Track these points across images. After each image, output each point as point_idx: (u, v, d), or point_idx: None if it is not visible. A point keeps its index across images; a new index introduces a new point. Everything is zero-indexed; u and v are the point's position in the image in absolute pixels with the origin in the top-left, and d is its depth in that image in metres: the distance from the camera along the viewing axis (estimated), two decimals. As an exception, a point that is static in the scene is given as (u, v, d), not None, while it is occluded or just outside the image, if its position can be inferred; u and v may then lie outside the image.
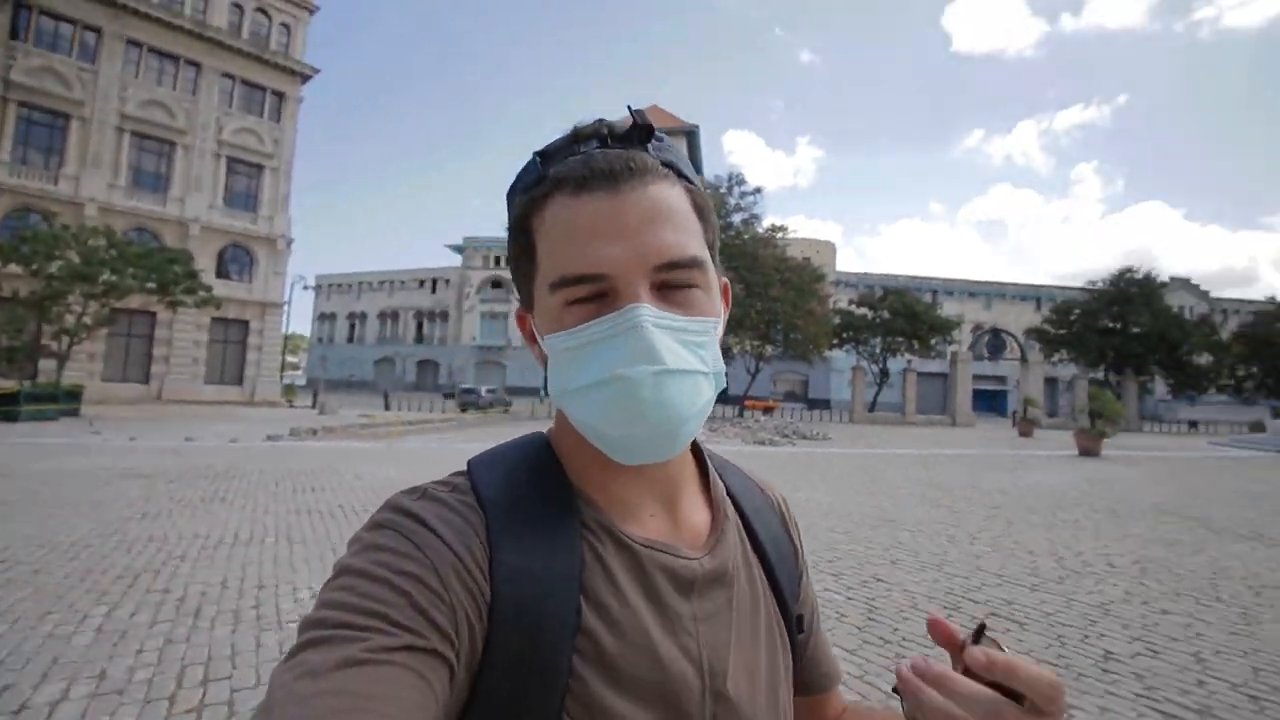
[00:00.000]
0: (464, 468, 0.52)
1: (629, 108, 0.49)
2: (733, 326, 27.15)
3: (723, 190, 30.29)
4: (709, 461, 0.59)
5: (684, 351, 0.45)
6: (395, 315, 59.21)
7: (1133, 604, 4.06)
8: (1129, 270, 35.81)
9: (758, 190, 30.41)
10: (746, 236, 29.03)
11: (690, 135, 57.76)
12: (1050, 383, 41.83)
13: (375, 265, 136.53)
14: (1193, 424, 34.54)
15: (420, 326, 58.26)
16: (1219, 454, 16.81)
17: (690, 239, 0.47)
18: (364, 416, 20.04)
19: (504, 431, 18.57)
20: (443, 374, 53.63)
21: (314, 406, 24.84)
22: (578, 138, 0.48)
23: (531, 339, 0.52)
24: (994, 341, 43.54)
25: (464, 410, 28.07)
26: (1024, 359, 32.24)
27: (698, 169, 56.33)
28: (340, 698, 0.33)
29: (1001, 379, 47.38)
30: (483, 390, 32.45)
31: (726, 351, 29.96)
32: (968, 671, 0.37)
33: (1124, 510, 7.59)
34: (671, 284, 0.46)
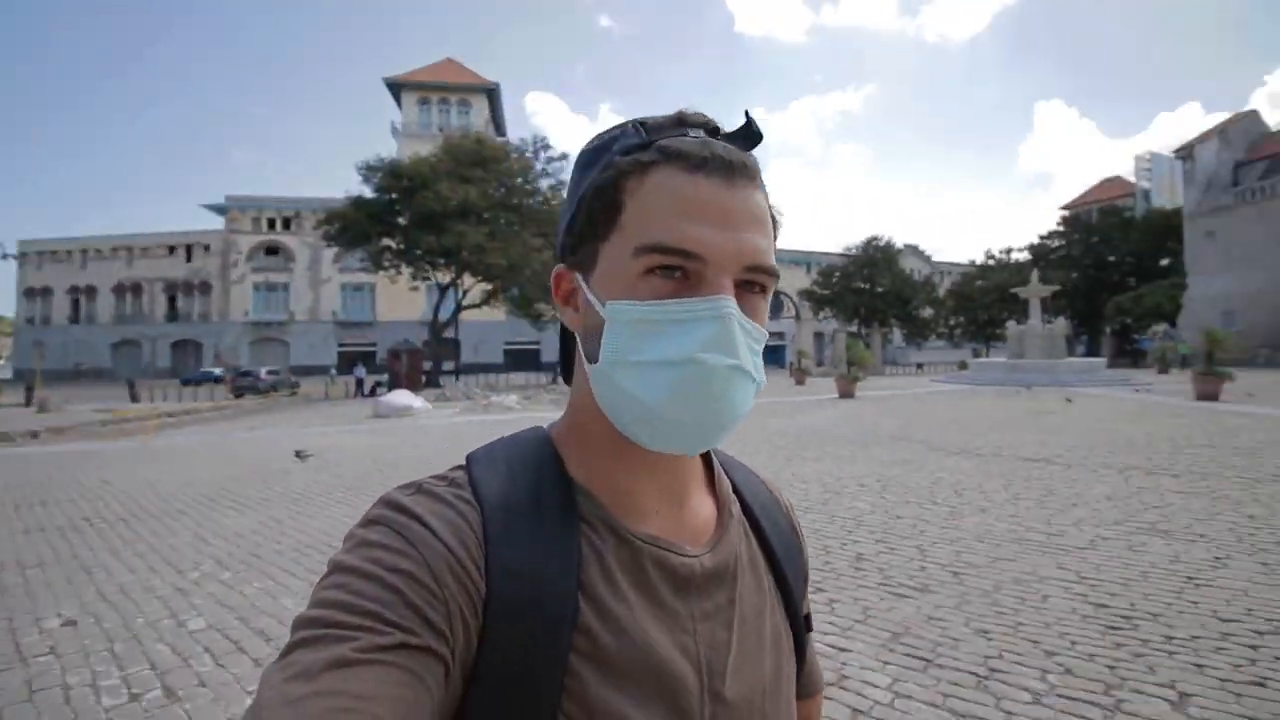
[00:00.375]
0: (463, 462, 0.51)
1: (746, 113, 0.50)
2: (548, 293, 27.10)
3: (529, 154, 29.68)
4: (715, 458, 0.59)
5: (752, 356, 0.46)
6: (138, 288, 49.29)
7: (877, 514, 5.03)
8: (874, 239, 42.30)
9: (564, 156, 30.32)
10: (554, 203, 28.92)
11: (490, 93, 54.94)
12: (818, 337, 48.16)
13: (104, 228, 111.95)
14: (920, 366, 42.51)
15: (173, 301, 49.31)
16: (936, 389, 20.89)
17: (772, 249, 0.48)
18: (104, 412, 16.70)
19: (294, 416, 16.71)
20: (207, 356, 46.21)
21: (29, 404, 20.09)
22: (684, 121, 0.48)
23: (566, 300, 0.51)
24: (774, 302, 48.81)
25: (239, 396, 24.71)
26: (798, 317, 36.86)
27: (500, 130, 54.07)
28: (332, 698, 0.33)
29: (780, 335, 53.61)
30: (262, 371, 28.77)
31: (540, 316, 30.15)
32: None
33: (871, 440, 9.19)
34: (751, 285, 0.46)
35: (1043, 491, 5.66)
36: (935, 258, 66.24)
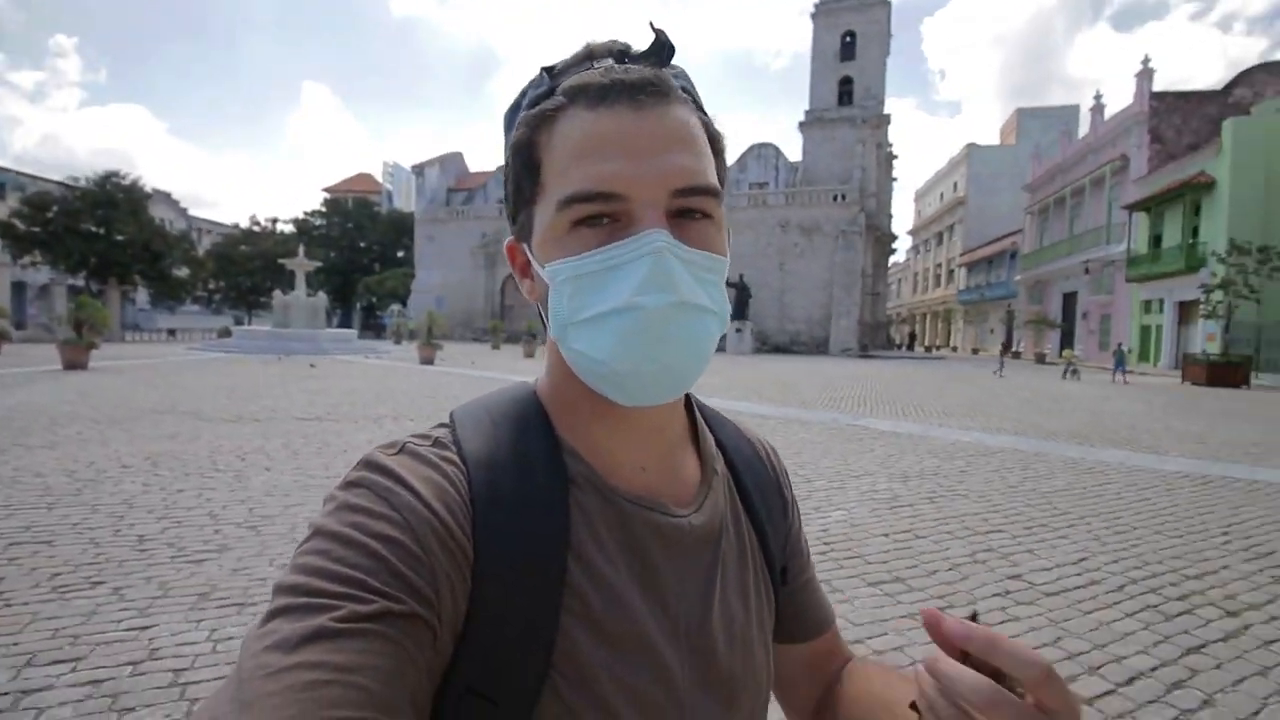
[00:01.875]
0: (447, 420, 0.49)
1: (651, 24, 0.46)
2: None
3: None
4: (698, 414, 0.57)
5: (698, 287, 0.43)
6: None
7: (153, 493, 4.58)
8: (115, 174, 34.46)
9: None
10: None
11: None
12: (19, 288, 35.63)
13: None
14: (172, 332, 37.61)
15: None
16: (197, 357, 19.24)
17: (708, 167, 0.45)
18: None
19: None
20: None
21: None
22: (591, 55, 0.45)
23: (523, 273, 0.49)
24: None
25: None
26: (-19, 257, 26.14)
27: None
28: (313, 670, 0.32)
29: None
30: None
31: None
32: (965, 659, 0.35)
33: (125, 416, 7.90)
34: (688, 210, 0.44)
35: (319, 445, 6.42)
36: (193, 211, 59.46)
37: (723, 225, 0.47)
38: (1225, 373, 17.98)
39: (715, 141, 0.47)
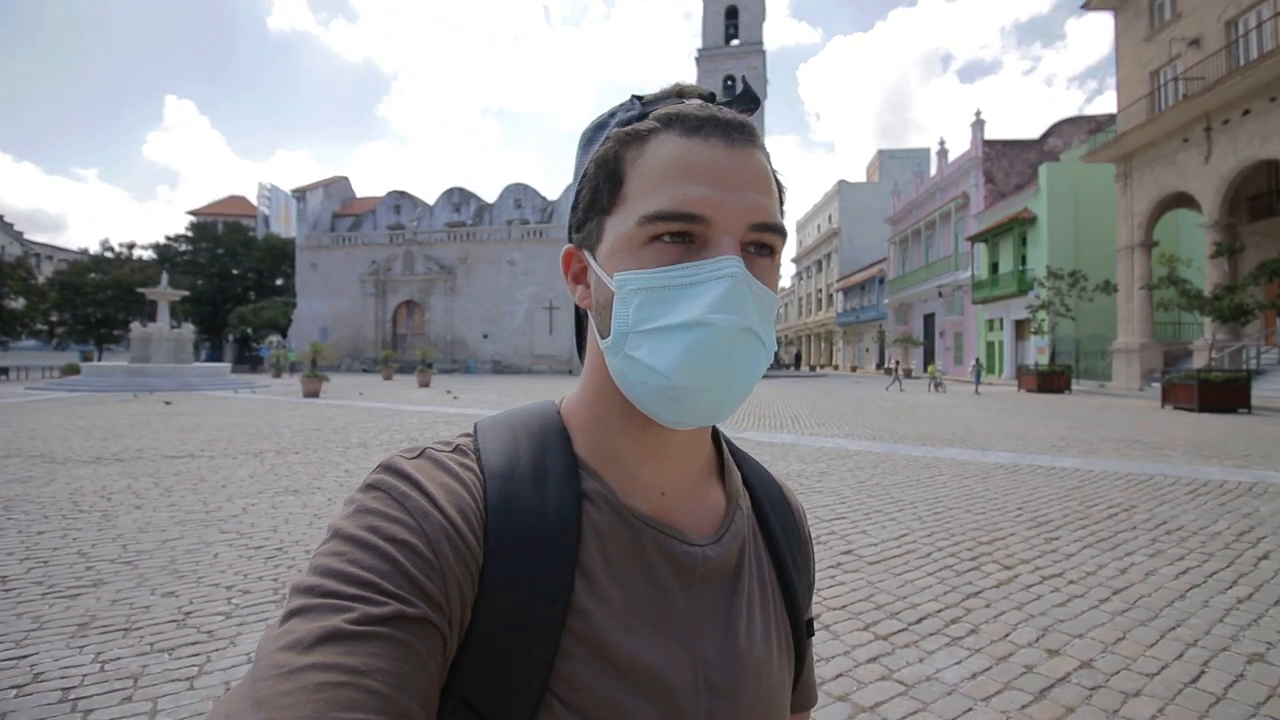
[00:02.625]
0: (470, 430, 0.51)
1: (743, 79, 0.57)
2: None
3: None
4: (725, 448, 0.57)
5: (761, 317, 0.44)
6: None
7: (8, 535, 4.32)
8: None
9: None
10: None
11: None
12: None
13: None
14: (4, 370, 33.05)
15: None
16: (39, 397, 17.23)
17: (778, 209, 0.47)
18: None
19: None
20: None
21: None
22: (683, 93, 0.48)
23: (577, 279, 0.50)
24: None
25: None
26: None
27: None
28: (325, 671, 0.33)
29: None
30: None
31: None
32: None
33: (-41, 462, 7.15)
34: (760, 244, 0.45)
35: (195, 480, 6.18)
36: (31, 236, 52.89)
37: (779, 267, 0.48)
38: (1050, 381, 20.80)
39: (780, 191, 0.49)
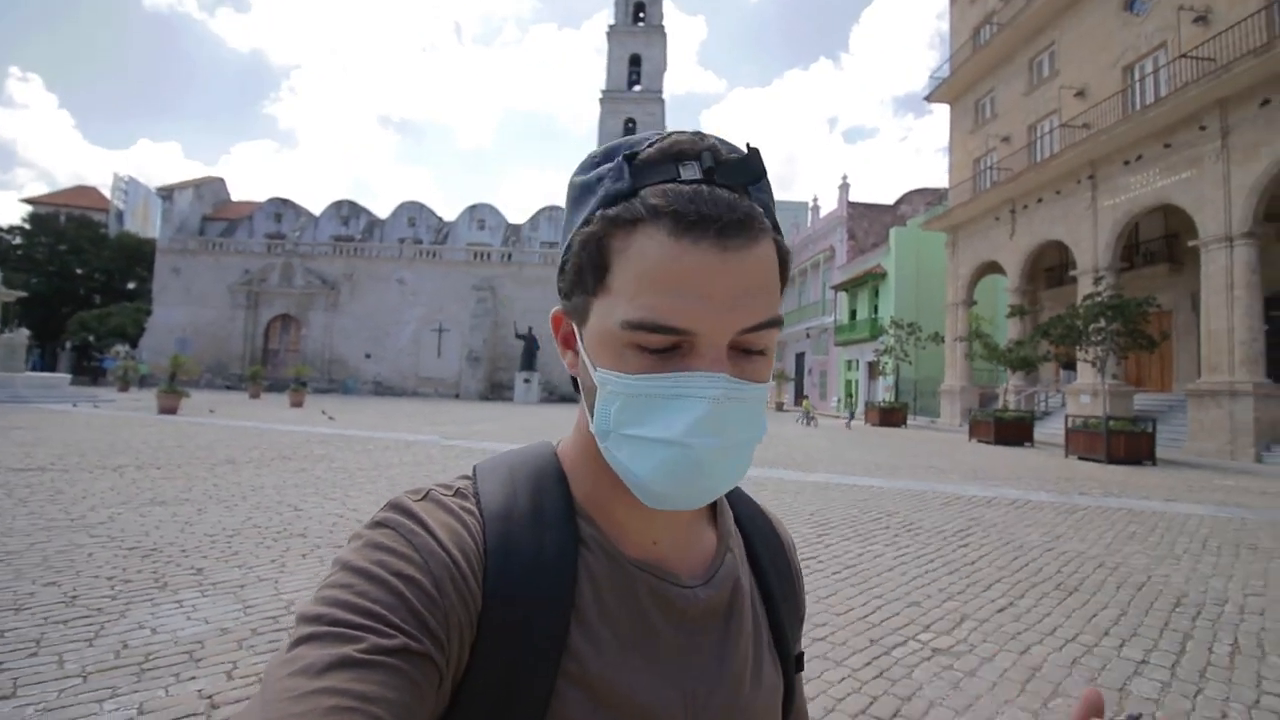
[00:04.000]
0: (469, 473, 0.51)
1: (748, 145, 0.45)
2: None
3: None
4: None
5: (747, 424, 0.44)
6: None
7: None
8: None
9: None
10: None
11: None
12: None
13: None
14: None
15: None
16: None
17: (775, 299, 0.44)
18: None
19: None
20: None
21: None
22: (679, 155, 0.44)
23: (566, 344, 0.50)
24: None
25: None
26: None
27: None
28: (335, 696, 0.33)
29: None
30: None
31: None
32: None
33: None
34: (746, 346, 0.44)
35: (51, 492, 6.17)
36: None
37: (774, 348, 0.47)
38: (890, 416, 23.68)
39: (784, 262, 0.46)
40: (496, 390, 37.12)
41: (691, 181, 0.43)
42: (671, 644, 0.48)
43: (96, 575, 3.83)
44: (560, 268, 0.49)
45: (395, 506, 0.45)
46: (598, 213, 0.45)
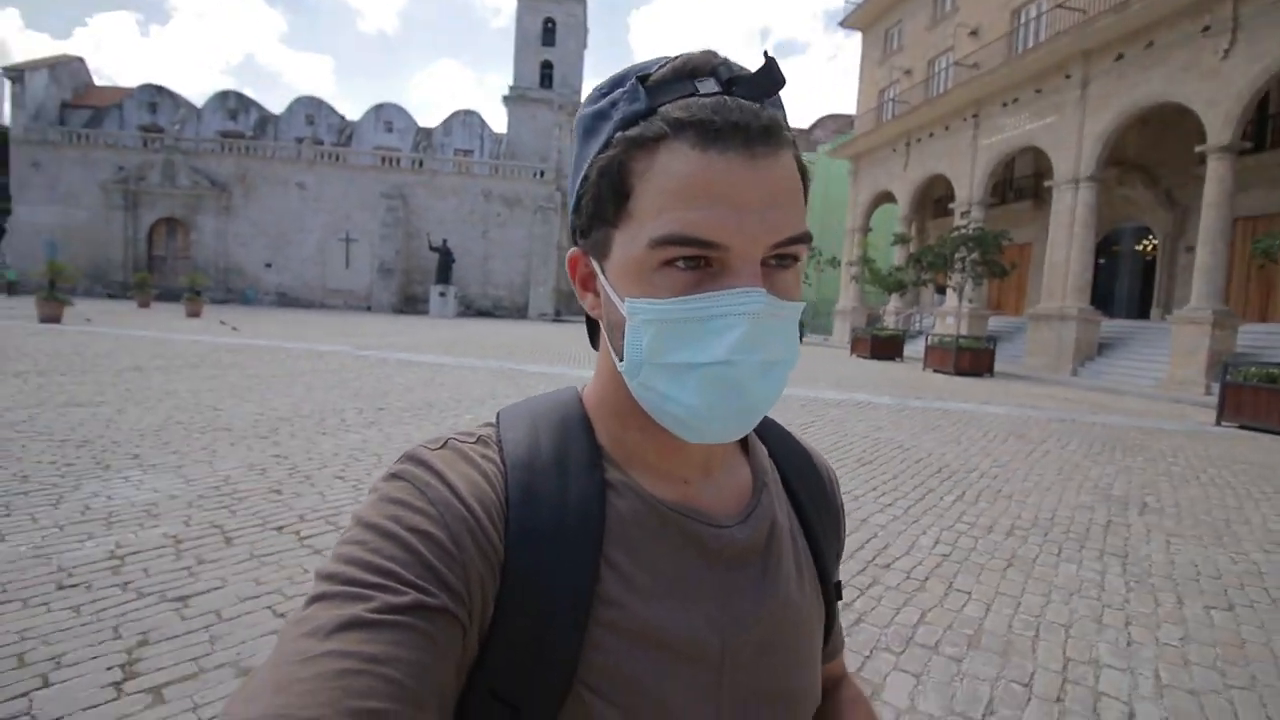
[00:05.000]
0: (493, 419, 0.50)
1: (765, 54, 0.43)
2: None
3: None
4: None
5: (784, 342, 0.43)
6: None
7: None
8: None
9: None
10: None
11: None
12: None
13: None
14: None
15: None
16: None
17: (802, 213, 0.43)
18: None
19: None
20: None
21: None
22: (693, 72, 0.42)
23: (585, 286, 0.48)
24: None
25: None
26: None
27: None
28: (343, 659, 0.33)
29: None
30: None
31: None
32: None
33: None
34: (780, 259, 0.43)
35: (-42, 395, 6.31)
36: None
37: (804, 263, 0.46)
38: (789, 335, 25.66)
39: (804, 176, 0.45)
40: (411, 304, 36.42)
41: (711, 94, 0.41)
42: (708, 585, 0.47)
43: (39, 461, 4.31)
44: (575, 206, 0.47)
45: (411, 458, 0.44)
46: (616, 135, 0.43)
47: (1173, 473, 6.00)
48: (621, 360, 0.45)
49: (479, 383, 9.42)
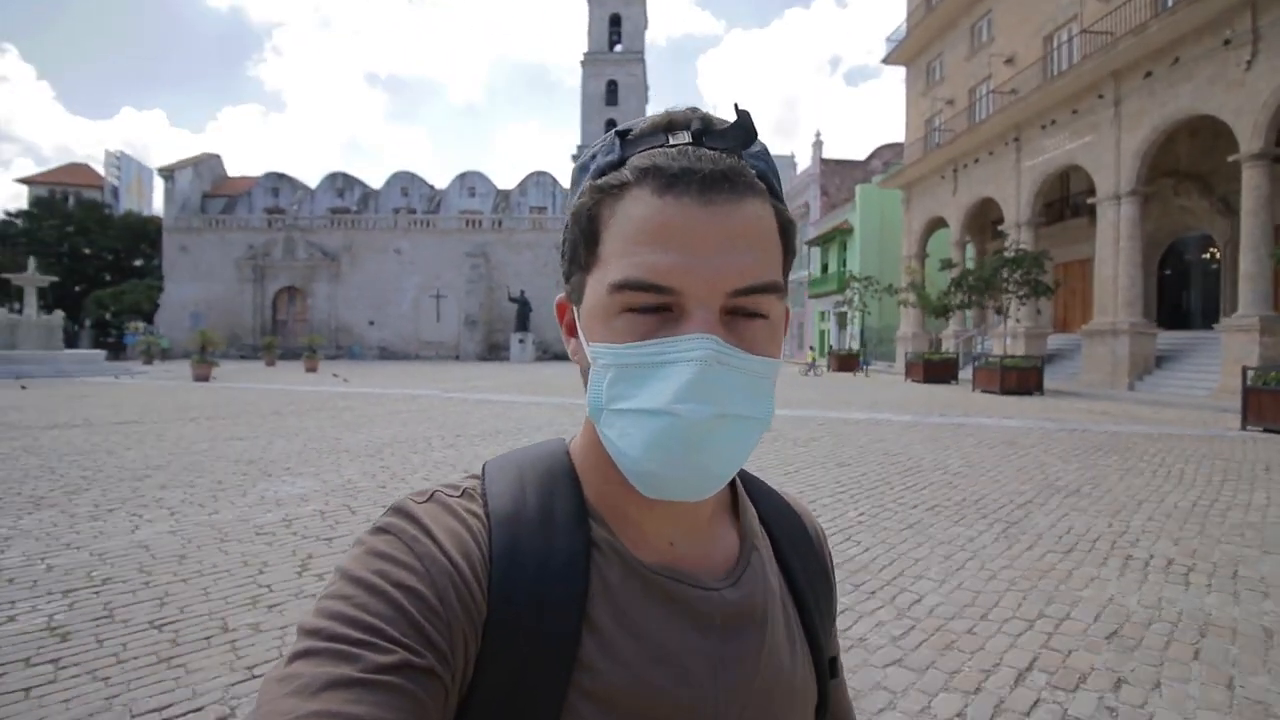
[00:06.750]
0: (479, 471, 0.49)
1: (735, 106, 0.44)
2: None
3: None
4: (739, 485, 0.56)
5: (744, 396, 0.42)
6: None
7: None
8: None
9: None
10: None
11: None
12: None
13: None
14: None
15: None
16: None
17: (771, 263, 0.43)
18: None
19: None
20: None
21: None
22: (670, 126, 0.43)
23: (570, 331, 0.49)
24: None
25: None
26: None
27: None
28: (330, 719, 0.33)
29: None
30: None
31: None
32: None
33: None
34: (742, 310, 0.42)
35: (155, 436, 8.55)
36: None
37: (780, 320, 0.45)
38: (847, 362, 26.17)
39: (786, 230, 0.45)
40: (494, 351, 39.52)
41: (680, 145, 0.42)
42: (697, 653, 0.45)
43: (231, 472, 6.22)
44: (562, 254, 0.48)
45: (398, 511, 0.44)
46: (586, 184, 0.44)
47: (1137, 468, 6.66)
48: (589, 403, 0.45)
49: (542, 415, 11.08)
